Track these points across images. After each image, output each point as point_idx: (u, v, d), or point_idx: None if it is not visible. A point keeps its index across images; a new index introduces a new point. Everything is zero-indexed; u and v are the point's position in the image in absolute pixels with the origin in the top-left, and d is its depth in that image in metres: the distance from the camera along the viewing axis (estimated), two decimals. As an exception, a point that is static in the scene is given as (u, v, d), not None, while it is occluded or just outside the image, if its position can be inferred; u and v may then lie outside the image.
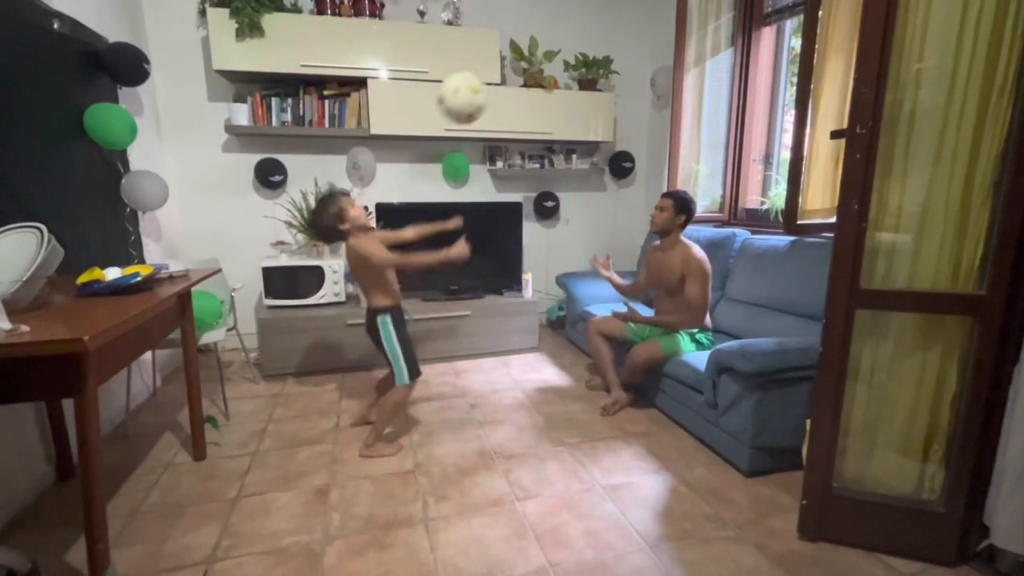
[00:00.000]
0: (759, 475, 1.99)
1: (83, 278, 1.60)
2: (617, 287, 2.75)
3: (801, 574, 1.51)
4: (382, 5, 3.26)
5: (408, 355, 2.13)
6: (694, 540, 1.65)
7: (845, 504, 1.61)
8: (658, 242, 2.59)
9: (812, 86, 2.25)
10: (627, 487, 1.94)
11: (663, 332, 2.49)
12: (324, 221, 2.06)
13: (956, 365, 1.49)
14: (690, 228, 2.53)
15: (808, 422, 1.62)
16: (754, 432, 1.91)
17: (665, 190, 2.76)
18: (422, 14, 3.34)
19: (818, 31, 2.24)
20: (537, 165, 3.82)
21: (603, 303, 3.27)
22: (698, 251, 2.41)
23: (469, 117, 2.16)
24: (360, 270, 2.12)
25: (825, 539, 1.64)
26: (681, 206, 2.44)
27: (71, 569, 1.52)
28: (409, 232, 2.23)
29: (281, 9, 3.01)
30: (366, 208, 2.21)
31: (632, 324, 2.65)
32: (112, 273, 1.63)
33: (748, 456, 1.95)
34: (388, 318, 2.11)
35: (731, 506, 1.83)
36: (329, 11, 3.14)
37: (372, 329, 2.17)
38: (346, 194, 2.10)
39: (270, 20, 2.94)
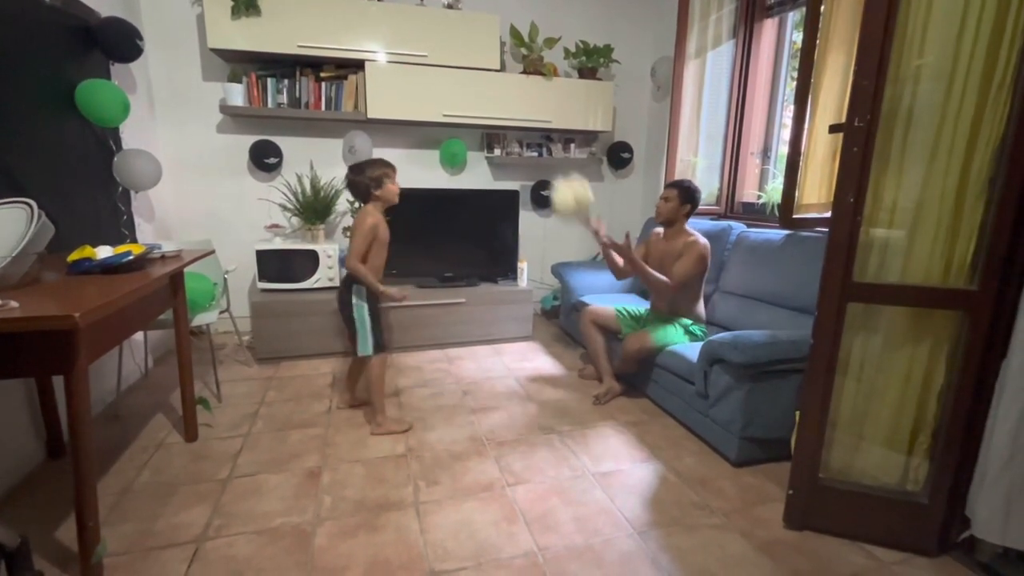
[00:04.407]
0: (747, 465, 2.02)
1: (74, 256, 1.58)
2: (604, 249, 2.48)
3: (785, 561, 1.54)
4: (381, -14, 3.22)
5: (376, 328, 2.19)
6: (681, 527, 1.68)
7: (831, 494, 1.63)
8: (660, 231, 2.59)
9: (812, 80, 2.24)
10: (617, 475, 1.96)
11: (656, 322, 2.50)
12: (364, 177, 2.14)
13: (944, 359, 1.51)
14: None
15: (797, 414, 1.64)
16: (743, 423, 1.93)
17: (663, 182, 2.74)
18: (422, -4, 3.30)
19: (820, 24, 2.23)
20: (535, 153, 3.79)
21: (598, 293, 3.28)
22: (703, 240, 2.41)
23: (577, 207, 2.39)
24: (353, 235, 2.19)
25: (810, 528, 1.67)
26: (686, 196, 2.44)
27: (61, 546, 1.52)
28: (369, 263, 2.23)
29: (278, -13, 2.96)
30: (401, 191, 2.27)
31: (626, 315, 2.67)
32: (103, 251, 1.62)
33: (737, 446, 1.98)
34: (363, 288, 2.16)
35: (719, 495, 1.85)
36: (327, -9, 3.09)
37: (344, 296, 2.21)
38: (394, 170, 2.20)
39: (267, -2, 2.89)
